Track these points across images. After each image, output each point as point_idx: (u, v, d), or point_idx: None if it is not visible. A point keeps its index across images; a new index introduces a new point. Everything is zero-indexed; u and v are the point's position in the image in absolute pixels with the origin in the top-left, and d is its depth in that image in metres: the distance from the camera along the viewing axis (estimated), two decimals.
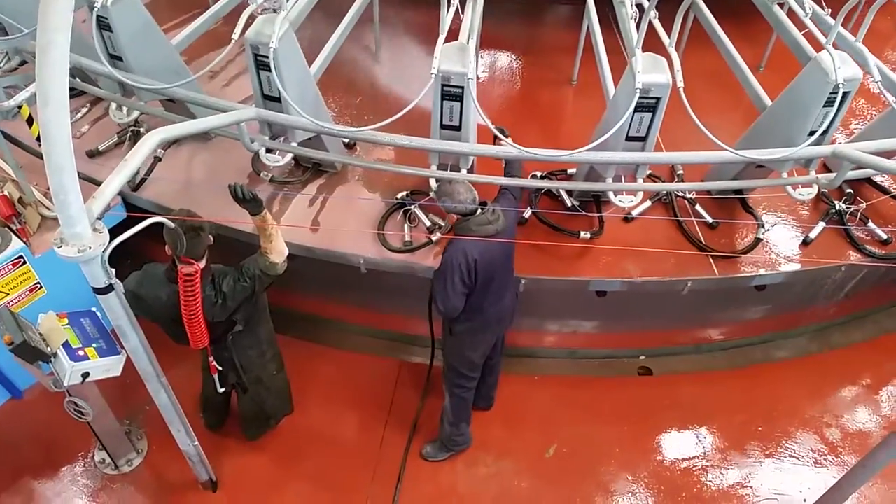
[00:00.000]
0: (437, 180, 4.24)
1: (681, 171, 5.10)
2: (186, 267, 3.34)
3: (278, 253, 3.66)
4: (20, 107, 4.18)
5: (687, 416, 4.97)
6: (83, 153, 5.14)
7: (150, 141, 2.98)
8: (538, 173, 5.01)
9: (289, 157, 4.50)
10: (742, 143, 4.37)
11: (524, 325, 5.13)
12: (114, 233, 2.72)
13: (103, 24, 4.24)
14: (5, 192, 4.57)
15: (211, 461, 4.27)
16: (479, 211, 3.78)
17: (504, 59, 6.69)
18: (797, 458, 4.72)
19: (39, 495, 4.41)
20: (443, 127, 4.15)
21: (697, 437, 4.87)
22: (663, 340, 5.35)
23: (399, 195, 4.88)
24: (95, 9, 4.11)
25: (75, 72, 4.95)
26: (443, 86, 3.90)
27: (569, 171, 5.04)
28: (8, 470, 4.48)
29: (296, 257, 4.64)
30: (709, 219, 4.82)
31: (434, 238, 4.65)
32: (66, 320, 3.75)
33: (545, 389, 5.11)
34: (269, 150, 4.43)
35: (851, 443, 4.80)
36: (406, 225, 4.72)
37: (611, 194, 4.25)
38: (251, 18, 4.09)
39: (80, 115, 5.57)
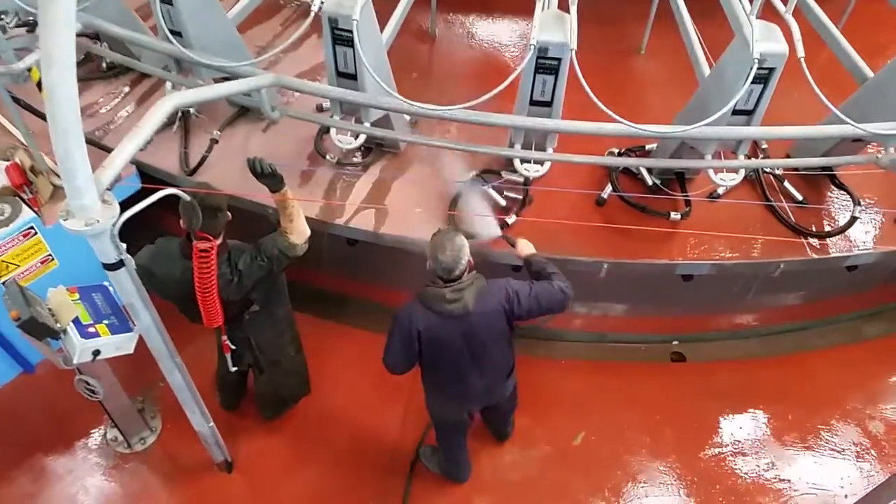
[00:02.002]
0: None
1: (765, 146, 4.84)
2: (202, 242, 3.16)
3: (299, 233, 3.46)
4: (31, 70, 3.98)
5: (721, 404, 4.74)
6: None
7: (163, 107, 2.78)
8: (615, 150, 4.75)
9: (362, 138, 4.25)
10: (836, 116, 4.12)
11: None
12: (128, 205, 2.53)
13: None
14: (17, 160, 4.39)
15: (226, 441, 4.12)
16: (447, 282, 3.27)
17: None
18: (837, 452, 4.49)
19: (51, 472, 4.28)
20: (532, 103, 3.88)
21: (732, 426, 4.64)
22: (697, 325, 5.10)
23: (469, 175, 4.62)
24: None
25: (117, 48, 4.75)
26: (538, 58, 3.62)
27: (647, 147, 4.78)
28: (19, 446, 4.35)
29: (358, 242, 4.55)
30: (799, 196, 4.60)
31: (510, 220, 4.40)
32: (76, 295, 3.58)
33: (573, 375, 4.90)
34: (340, 132, 4.20)
35: None
36: None
37: (710, 172, 4.01)
38: None
39: (121, 96, 5.35)
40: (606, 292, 4.92)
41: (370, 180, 4.72)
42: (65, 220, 2.43)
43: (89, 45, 4.74)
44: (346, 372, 4.80)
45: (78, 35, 4.43)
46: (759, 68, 3.42)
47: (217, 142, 4.84)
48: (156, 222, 3.95)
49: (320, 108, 5.09)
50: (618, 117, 3.37)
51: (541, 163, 4.19)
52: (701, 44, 4.56)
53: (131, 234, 2.63)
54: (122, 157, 2.60)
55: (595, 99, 3.28)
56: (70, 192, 2.38)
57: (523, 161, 4.21)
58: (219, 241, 3.30)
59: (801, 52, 3.40)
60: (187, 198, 2.72)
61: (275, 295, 3.77)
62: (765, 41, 3.45)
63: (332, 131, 4.26)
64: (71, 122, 2.23)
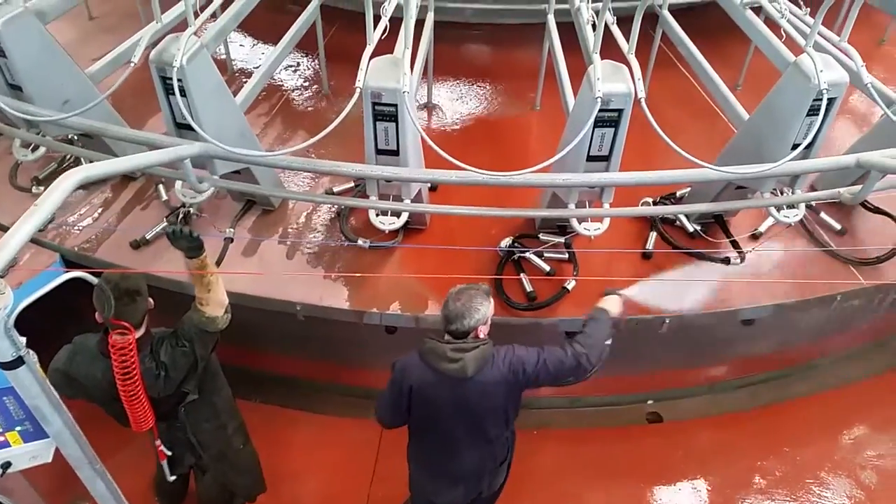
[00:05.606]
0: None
1: None
2: (119, 336, 2.80)
3: (217, 304, 3.10)
4: None
5: (705, 465, 4.47)
6: (126, 244, 4.46)
7: (66, 182, 2.47)
8: (649, 200, 4.62)
9: (405, 217, 3.97)
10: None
11: None
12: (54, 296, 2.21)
13: (176, 88, 3.44)
14: None
15: None
16: (445, 339, 3.00)
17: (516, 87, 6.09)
18: None
19: None
20: (589, 159, 3.66)
21: (719, 488, 4.36)
22: (671, 381, 4.85)
23: (503, 243, 4.38)
24: (174, 67, 3.34)
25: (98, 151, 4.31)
26: (600, 110, 3.40)
27: (678, 193, 4.65)
28: None
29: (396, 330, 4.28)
30: (837, 226, 4.55)
31: (570, 286, 4.17)
32: None
33: (547, 445, 4.57)
34: (381, 213, 3.93)
35: (892, 485, 4.31)
36: (523, 275, 4.22)
37: (773, 209, 3.87)
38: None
39: (103, 205, 4.81)
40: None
41: (400, 259, 4.46)
42: None
43: (70, 149, 4.35)
44: (300, 462, 4.39)
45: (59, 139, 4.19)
46: (818, 100, 3.32)
47: (232, 240, 4.41)
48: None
49: (330, 192, 4.78)
50: (701, 162, 3.22)
51: (600, 220, 3.93)
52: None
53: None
54: (18, 239, 2.25)
55: (673, 145, 3.16)
56: None
57: (581, 220, 3.90)
58: (140, 333, 2.96)
59: (867, 79, 3.43)
60: (94, 280, 2.40)
61: (209, 380, 3.38)
62: (827, 71, 3.33)
63: (371, 212, 3.97)
64: None
